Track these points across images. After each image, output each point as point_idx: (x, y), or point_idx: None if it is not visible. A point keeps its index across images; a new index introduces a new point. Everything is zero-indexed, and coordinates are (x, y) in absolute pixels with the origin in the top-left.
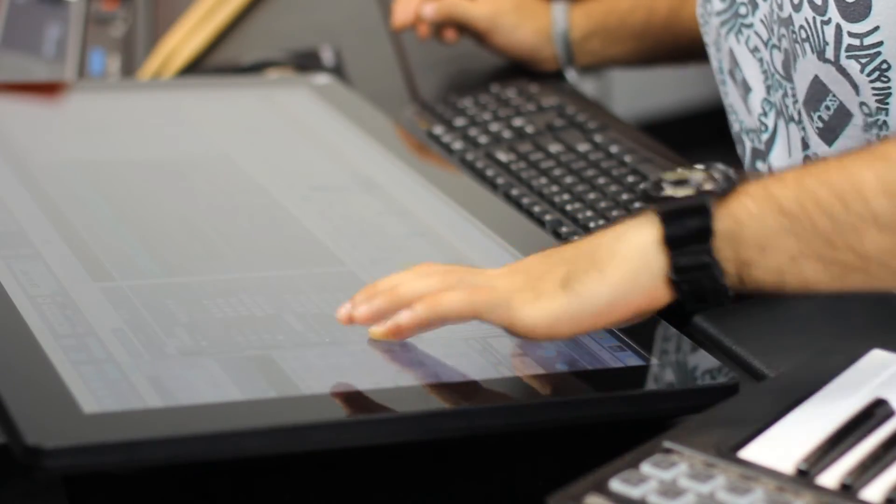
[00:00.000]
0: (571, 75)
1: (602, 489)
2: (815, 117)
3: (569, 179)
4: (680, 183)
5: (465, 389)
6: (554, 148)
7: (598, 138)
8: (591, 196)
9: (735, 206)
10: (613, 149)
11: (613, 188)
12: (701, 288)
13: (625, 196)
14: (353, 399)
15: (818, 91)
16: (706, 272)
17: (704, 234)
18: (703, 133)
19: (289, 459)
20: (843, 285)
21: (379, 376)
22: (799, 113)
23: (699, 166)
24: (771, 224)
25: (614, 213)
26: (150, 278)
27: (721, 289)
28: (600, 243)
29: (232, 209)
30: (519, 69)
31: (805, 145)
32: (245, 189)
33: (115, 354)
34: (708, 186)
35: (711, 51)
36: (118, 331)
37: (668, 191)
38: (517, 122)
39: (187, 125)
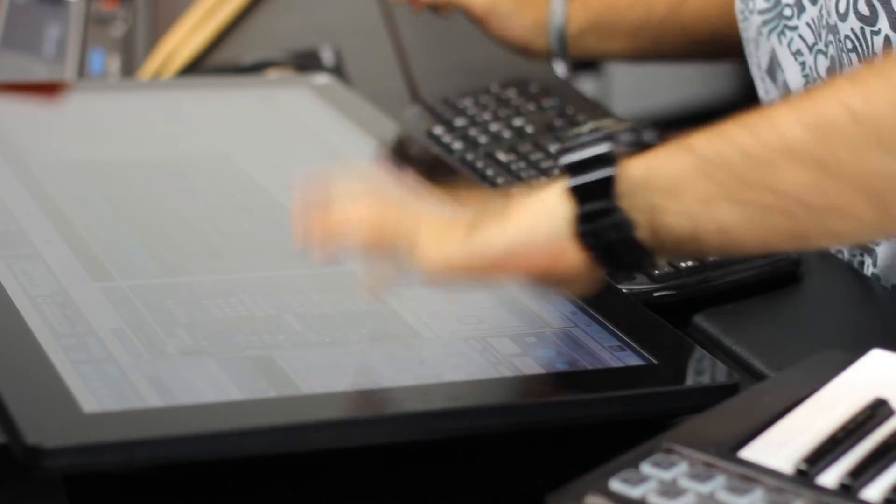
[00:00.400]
0: (561, 69)
1: (602, 489)
2: None
3: None
4: (591, 133)
5: (465, 389)
6: (554, 148)
7: None
8: None
9: (644, 154)
10: None
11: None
12: (609, 243)
13: None
14: (353, 399)
15: None
16: (612, 222)
17: (608, 181)
18: None
19: (289, 459)
20: (763, 231)
21: (379, 376)
22: None
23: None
24: (680, 164)
25: None
26: (150, 278)
27: (631, 242)
28: (518, 199)
29: (232, 209)
30: (519, 69)
31: None
32: (245, 189)
33: (115, 354)
34: (617, 136)
35: (750, 48)
36: (118, 331)
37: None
38: (517, 122)
39: (187, 125)
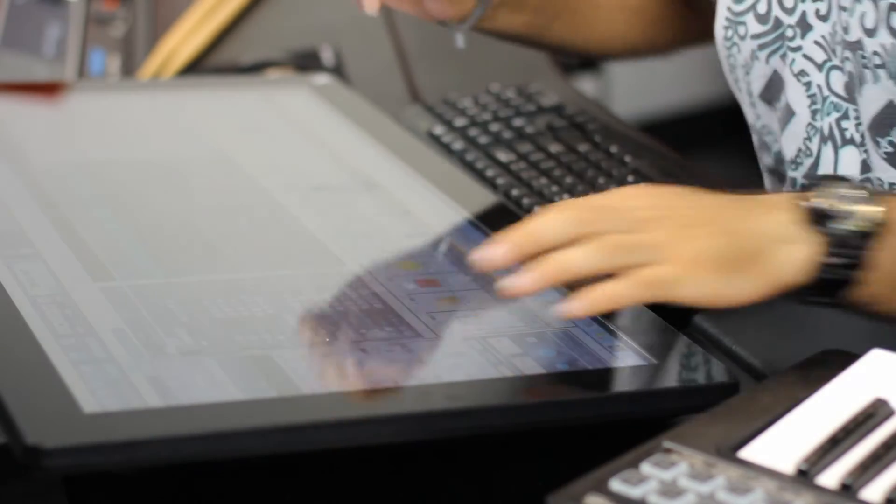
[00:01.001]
0: (460, 41)
1: (602, 489)
2: (884, 142)
3: (569, 179)
4: (837, 196)
5: (466, 389)
6: (554, 148)
7: (598, 138)
8: None
9: (875, 255)
10: (613, 149)
11: (613, 188)
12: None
13: None
14: (353, 399)
15: (889, 116)
16: (827, 304)
17: (849, 279)
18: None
19: (289, 459)
20: None
21: (379, 376)
22: (862, 136)
23: (851, 186)
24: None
25: None
26: (150, 278)
27: (849, 292)
28: (753, 233)
29: (232, 209)
30: (519, 69)
31: (866, 168)
32: (245, 189)
33: (115, 354)
34: (866, 223)
35: (738, 74)
36: (118, 331)
37: (830, 206)
38: (517, 122)
39: (187, 125)
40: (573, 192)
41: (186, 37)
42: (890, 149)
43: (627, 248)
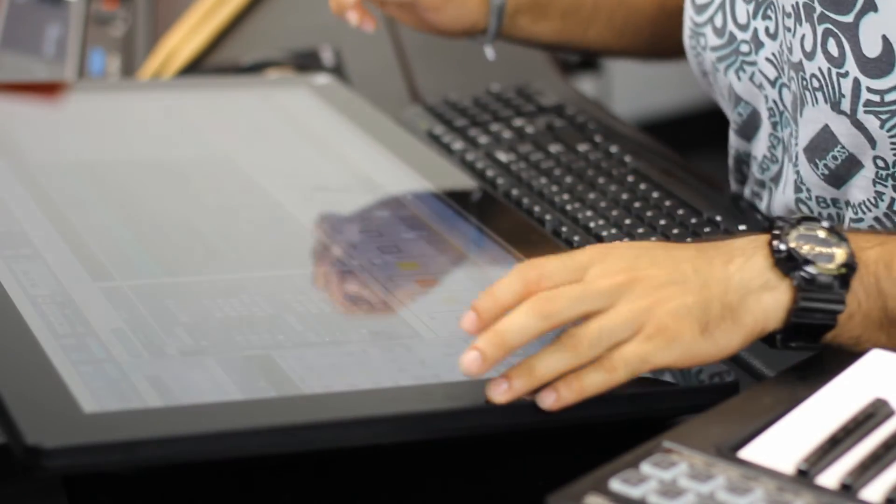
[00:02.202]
0: (490, 53)
1: (602, 489)
2: (821, 164)
3: (569, 179)
4: (809, 240)
5: (465, 389)
6: (554, 148)
7: (598, 138)
8: (591, 196)
9: (851, 298)
10: (613, 149)
11: (613, 188)
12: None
13: (625, 196)
14: (353, 399)
15: (826, 140)
16: (807, 348)
17: (828, 323)
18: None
19: (289, 459)
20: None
21: (379, 376)
22: (796, 156)
23: (821, 228)
24: (874, 320)
25: (614, 212)
26: (150, 278)
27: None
28: (728, 285)
29: (232, 209)
30: (519, 69)
31: (798, 189)
32: (245, 189)
33: (115, 354)
34: (841, 267)
35: (709, 79)
36: (118, 331)
37: (804, 251)
38: (517, 122)
39: (187, 125)
40: (573, 192)
41: (186, 37)
42: (826, 171)
43: (593, 340)
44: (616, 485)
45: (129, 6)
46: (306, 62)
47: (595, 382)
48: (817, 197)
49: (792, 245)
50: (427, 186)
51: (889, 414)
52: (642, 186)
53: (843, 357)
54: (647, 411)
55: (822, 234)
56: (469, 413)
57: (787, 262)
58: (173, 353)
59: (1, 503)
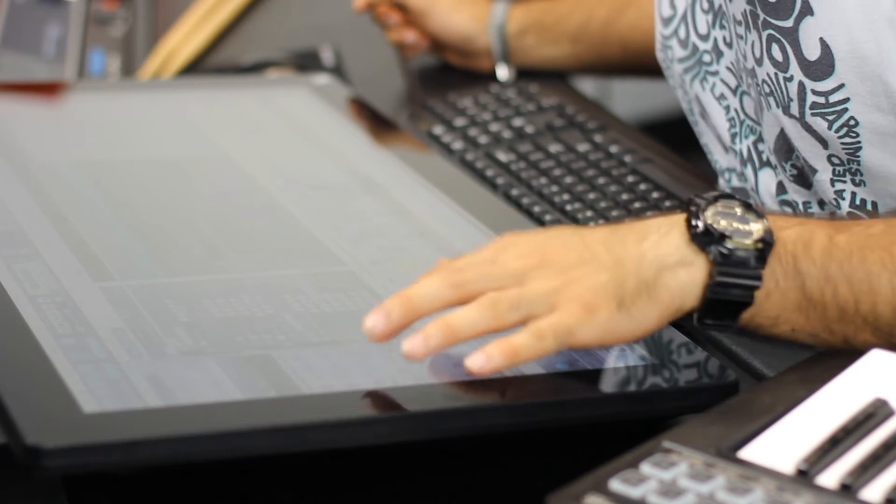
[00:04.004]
0: (503, 72)
1: (602, 489)
2: (788, 166)
3: (569, 179)
4: (726, 216)
5: (466, 389)
6: (554, 148)
7: (598, 138)
8: (591, 196)
9: (768, 275)
10: (613, 149)
11: (613, 188)
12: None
13: (625, 196)
14: (353, 399)
15: (784, 143)
16: (724, 326)
17: (745, 300)
18: None
19: (289, 459)
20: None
21: (379, 376)
22: (769, 159)
23: (739, 204)
24: (791, 300)
25: (614, 213)
26: (150, 278)
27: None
28: (642, 262)
29: (232, 209)
30: (519, 69)
31: (782, 189)
32: (245, 189)
33: (115, 354)
34: (757, 242)
35: (679, 93)
36: (118, 331)
37: (720, 226)
38: (517, 122)
39: (187, 125)
40: (573, 192)
41: (186, 37)
42: (794, 171)
43: (512, 303)
44: (616, 485)
45: (129, 6)
46: (306, 62)
47: (526, 346)
48: (794, 201)
49: (709, 221)
50: (427, 186)
51: (889, 414)
52: (642, 186)
53: (843, 357)
54: (647, 411)
55: (739, 210)
56: (469, 413)
57: (704, 238)
58: (173, 353)
59: (1, 503)
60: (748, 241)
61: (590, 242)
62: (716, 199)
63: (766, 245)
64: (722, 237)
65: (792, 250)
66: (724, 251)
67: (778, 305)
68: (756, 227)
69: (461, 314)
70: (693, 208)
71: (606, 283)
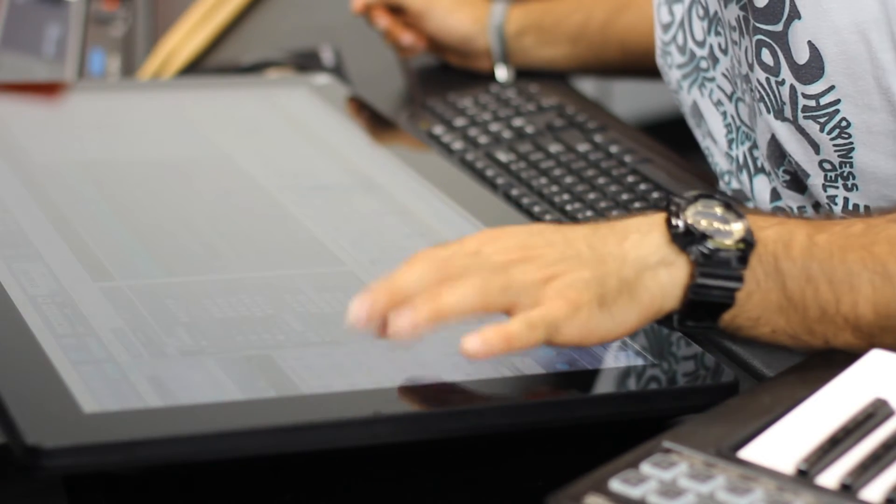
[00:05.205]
0: (502, 73)
1: (602, 489)
2: (781, 171)
3: (569, 179)
4: (706, 216)
5: (465, 389)
6: (554, 148)
7: (598, 138)
8: (591, 196)
9: (749, 275)
10: (613, 149)
11: (613, 188)
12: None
13: (625, 196)
14: (353, 399)
15: (776, 149)
16: (705, 328)
17: (726, 301)
18: None
19: (289, 459)
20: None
21: (379, 376)
22: (763, 165)
23: (721, 203)
24: (772, 301)
25: (614, 213)
26: (150, 278)
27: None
28: (624, 261)
29: (232, 209)
30: (519, 70)
31: (776, 195)
32: (245, 189)
33: (115, 354)
34: (739, 242)
35: (677, 98)
36: (118, 331)
37: (701, 226)
38: (517, 122)
39: (187, 125)
40: (573, 192)
41: (186, 37)
42: (787, 177)
43: (503, 285)
44: (616, 485)
45: (129, 6)
46: (306, 62)
47: (518, 335)
48: (789, 207)
49: (689, 221)
50: (427, 186)
51: (889, 414)
52: (642, 186)
53: (843, 357)
54: (647, 411)
55: (719, 210)
56: (469, 413)
57: (684, 238)
58: (173, 353)
59: (1, 503)
60: (729, 242)
61: (572, 239)
62: (696, 199)
63: (747, 245)
64: (703, 237)
65: (773, 250)
66: (706, 251)
67: (759, 306)
68: (737, 227)
69: (450, 289)
70: (673, 208)
71: (589, 280)
